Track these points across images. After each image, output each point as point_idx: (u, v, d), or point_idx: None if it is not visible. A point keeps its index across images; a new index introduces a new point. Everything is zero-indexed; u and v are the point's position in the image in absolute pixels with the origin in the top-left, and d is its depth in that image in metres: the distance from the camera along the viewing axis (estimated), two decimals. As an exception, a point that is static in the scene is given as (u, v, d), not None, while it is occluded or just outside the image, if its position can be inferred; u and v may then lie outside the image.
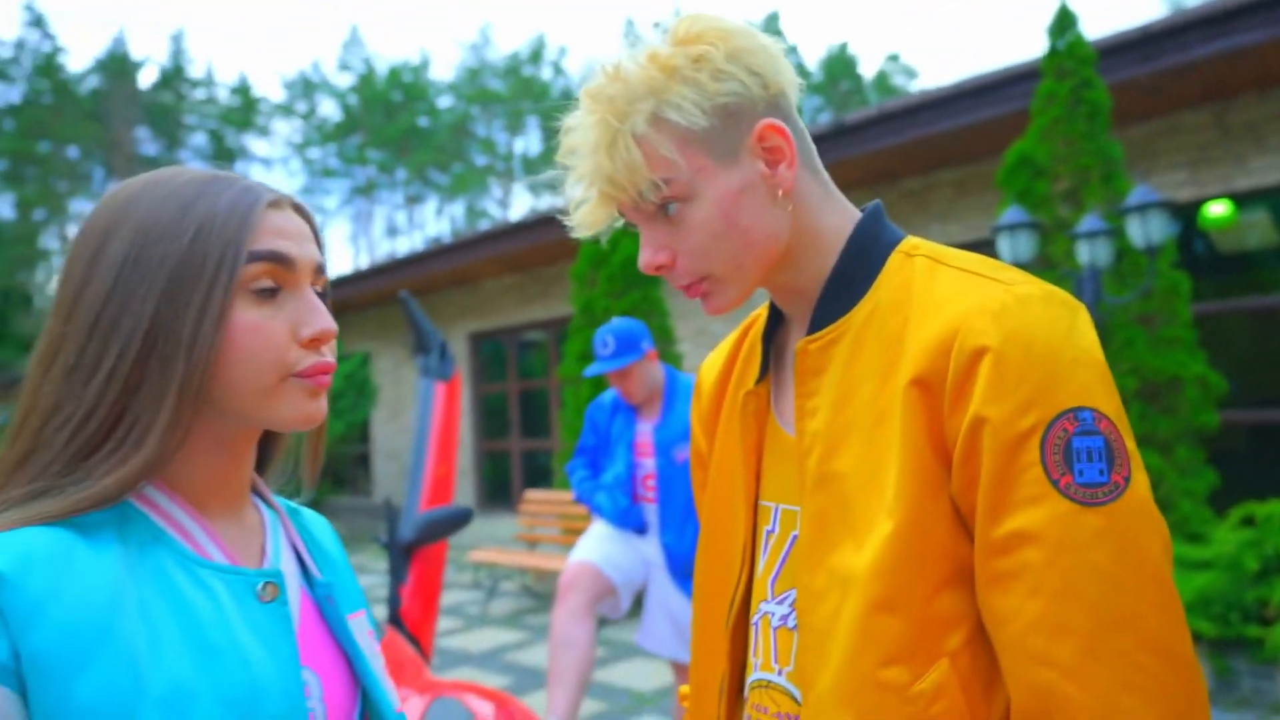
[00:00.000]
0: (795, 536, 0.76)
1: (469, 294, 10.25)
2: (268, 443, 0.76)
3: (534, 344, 10.03)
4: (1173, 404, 4.34)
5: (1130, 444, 0.64)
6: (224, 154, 37.70)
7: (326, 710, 0.65)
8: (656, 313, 6.41)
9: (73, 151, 34.33)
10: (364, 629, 0.73)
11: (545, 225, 8.08)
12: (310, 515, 0.80)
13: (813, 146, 0.79)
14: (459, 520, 2.42)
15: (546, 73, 41.66)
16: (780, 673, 0.77)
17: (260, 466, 0.76)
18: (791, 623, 0.75)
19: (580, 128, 0.75)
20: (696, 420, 0.96)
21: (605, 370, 2.83)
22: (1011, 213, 4.36)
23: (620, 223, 0.79)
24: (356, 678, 0.69)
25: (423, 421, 2.57)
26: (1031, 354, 0.64)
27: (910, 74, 39.39)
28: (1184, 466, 4.29)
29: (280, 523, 0.73)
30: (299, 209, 0.67)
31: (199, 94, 38.57)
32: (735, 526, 0.83)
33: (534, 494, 7.07)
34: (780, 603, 0.77)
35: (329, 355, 0.65)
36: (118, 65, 36.26)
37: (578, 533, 6.47)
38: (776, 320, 0.85)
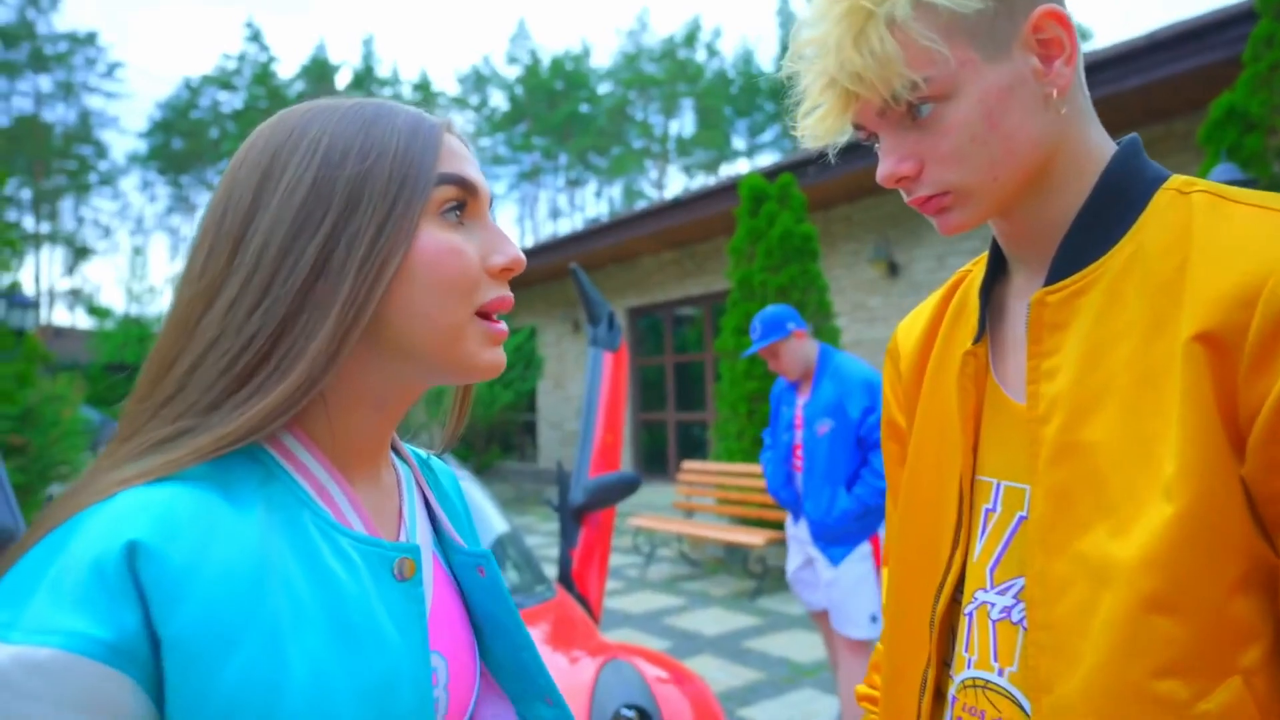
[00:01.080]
0: (1023, 517, 0.67)
1: (628, 270, 10.55)
2: None
3: (689, 319, 10.20)
4: None
5: None
6: (405, 146, 40.51)
7: (450, 698, 0.60)
8: (814, 287, 6.36)
9: (280, 148, 38.17)
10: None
11: (701, 201, 8.18)
12: (440, 467, 0.75)
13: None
14: (628, 486, 2.48)
15: (701, 55, 41.56)
16: (1001, 673, 0.66)
17: None
18: (1017, 616, 0.66)
19: (819, 19, 0.65)
20: (890, 390, 0.87)
21: (755, 351, 3.03)
22: (1222, 169, 3.95)
23: (849, 134, 0.70)
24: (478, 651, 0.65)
25: (591, 390, 2.64)
26: None
27: (1084, 35, 35.95)
28: None
29: (414, 481, 0.69)
30: (462, 139, 0.63)
31: (386, 91, 41.68)
32: (944, 505, 0.73)
33: (691, 464, 7.23)
34: (1002, 592, 0.68)
35: (509, 291, 0.61)
36: (319, 70, 39.96)
37: (732, 503, 6.60)
38: (994, 273, 0.76)
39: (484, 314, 0.59)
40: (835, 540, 2.90)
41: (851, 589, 2.87)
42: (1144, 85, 4.97)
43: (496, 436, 12.67)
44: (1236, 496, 0.56)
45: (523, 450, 13.26)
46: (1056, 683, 0.60)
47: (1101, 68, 5.13)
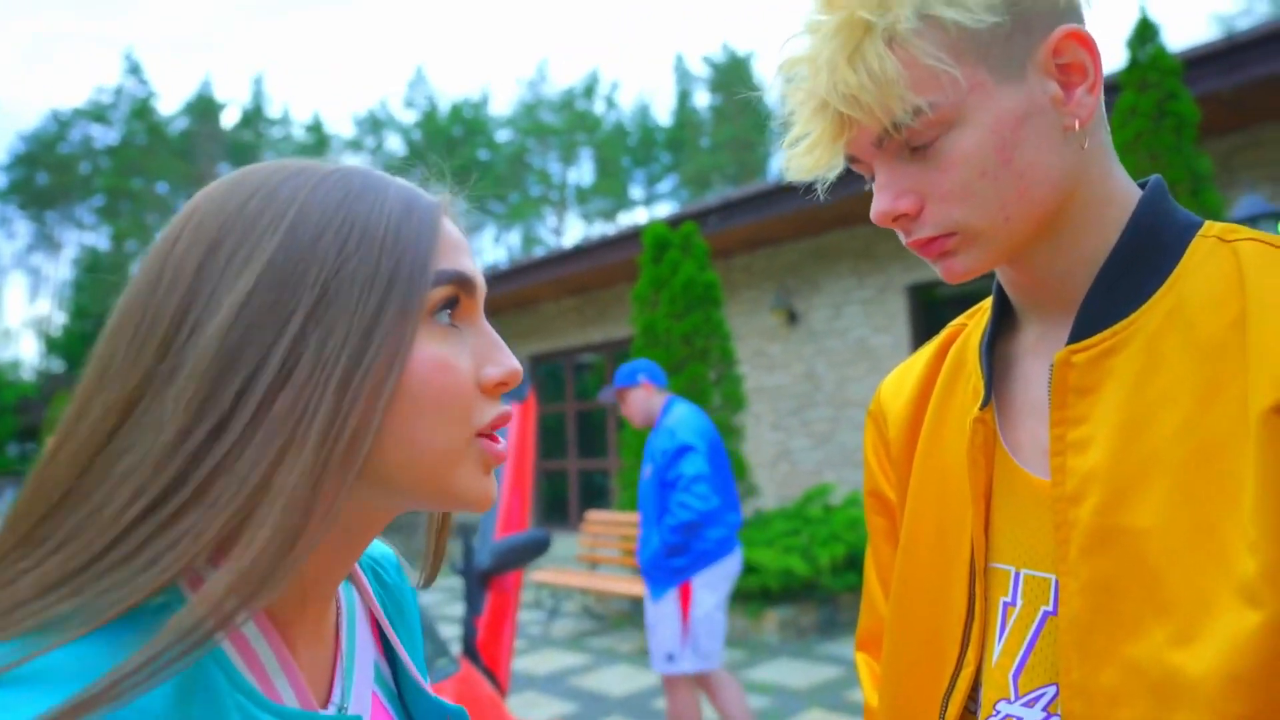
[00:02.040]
0: (1048, 613, 0.58)
1: (528, 317, 10.40)
2: None
3: (590, 366, 10.11)
4: None
5: None
6: (296, 187, 39.34)
7: None
8: (717, 334, 6.40)
9: (162, 187, 36.33)
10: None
11: (603, 249, 8.17)
12: (393, 580, 0.63)
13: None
14: (537, 547, 2.35)
15: (599, 106, 42.42)
16: None
17: None
18: None
19: (810, 33, 0.57)
20: (874, 458, 0.77)
21: (604, 398, 3.37)
22: (1248, 203, 4.10)
23: (840, 168, 0.62)
24: None
25: None
26: None
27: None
28: None
29: (360, 610, 0.57)
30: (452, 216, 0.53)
31: (276, 132, 40.39)
32: (951, 595, 0.64)
33: (596, 514, 7.06)
34: (1030, 704, 0.58)
35: (506, 406, 0.51)
36: (204, 106, 38.35)
37: (636, 554, 6.45)
38: (998, 327, 0.68)
39: (484, 433, 0.48)
40: (651, 578, 3.11)
41: (654, 626, 3.08)
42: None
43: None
44: None
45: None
46: None
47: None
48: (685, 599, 3.04)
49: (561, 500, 10.14)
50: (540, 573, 6.90)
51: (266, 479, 0.40)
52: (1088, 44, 0.57)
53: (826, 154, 0.59)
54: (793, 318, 7.50)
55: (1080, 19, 0.59)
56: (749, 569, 5.42)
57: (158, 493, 0.39)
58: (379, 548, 0.63)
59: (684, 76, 40.99)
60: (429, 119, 41.19)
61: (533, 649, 5.88)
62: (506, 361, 0.49)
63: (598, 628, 6.48)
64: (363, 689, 0.53)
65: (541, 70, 44.37)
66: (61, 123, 36.49)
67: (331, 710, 0.49)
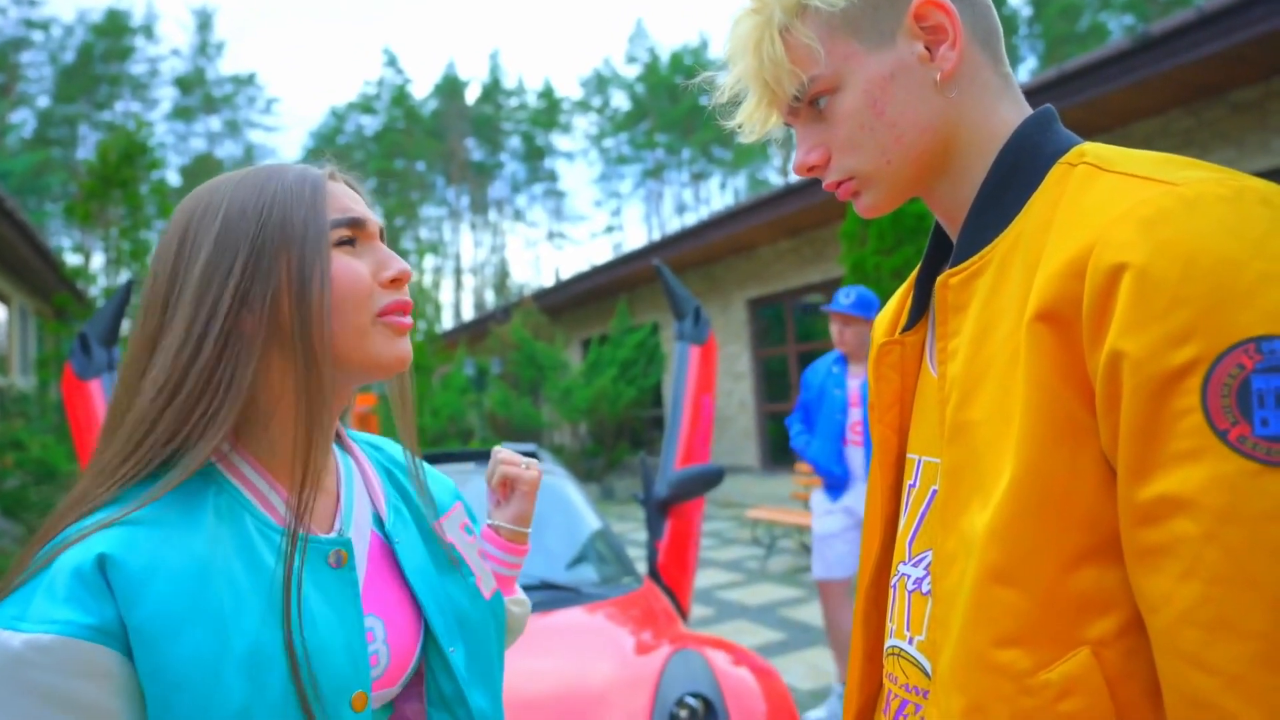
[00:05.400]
0: (935, 491, 0.68)
1: (747, 261, 10.47)
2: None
3: (811, 307, 10.00)
4: None
5: None
6: (535, 153, 42.00)
7: (390, 651, 0.71)
8: (933, 266, 6.10)
9: (419, 166, 40.63)
10: (458, 522, 0.83)
11: (813, 187, 8.00)
12: (387, 446, 0.87)
13: (997, 28, 0.69)
14: (711, 479, 2.50)
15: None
16: (911, 641, 0.69)
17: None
18: (926, 587, 0.67)
19: (733, 26, 0.71)
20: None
21: (839, 309, 3.23)
22: None
23: (780, 127, 0.75)
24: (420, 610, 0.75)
25: (678, 384, 2.69)
26: (1194, 268, 0.50)
27: None
28: None
29: (356, 472, 0.79)
30: (346, 181, 0.75)
31: (513, 102, 43.28)
32: (879, 482, 0.78)
33: (811, 454, 7.11)
34: (916, 564, 0.70)
35: (406, 295, 0.72)
36: (450, 87, 42.01)
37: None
38: (936, 257, 0.77)
39: (385, 314, 0.70)
40: None
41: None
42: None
43: (625, 432, 12.92)
44: (1089, 467, 0.55)
45: (651, 445, 13.44)
46: (940, 654, 0.62)
47: (1255, 4, 4.61)
48: None
49: (784, 442, 10.25)
50: (757, 510, 7.12)
51: (250, 375, 0.65)
52: (944, 8, 0.66)
53: (763, 118, 0.73)
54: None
55: None
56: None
57: (174, 387, 0.64)
58: (387, 445, 0.87)
59: None
60: (651, 71, 41.79)
61: (749, 582, 6.13)
62: (396, 265, 0.71)
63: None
64: (361, 529, 0.75)
65: (759, 4, 43.09)
66: (338, 117, 41.94)
67: (338, 534, 0.72)
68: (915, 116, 0.67)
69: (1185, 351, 0.49)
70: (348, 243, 0.70)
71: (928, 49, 0.66)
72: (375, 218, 0.74)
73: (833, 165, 0.70)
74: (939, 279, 0.68)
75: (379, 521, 0.78)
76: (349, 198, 0.73)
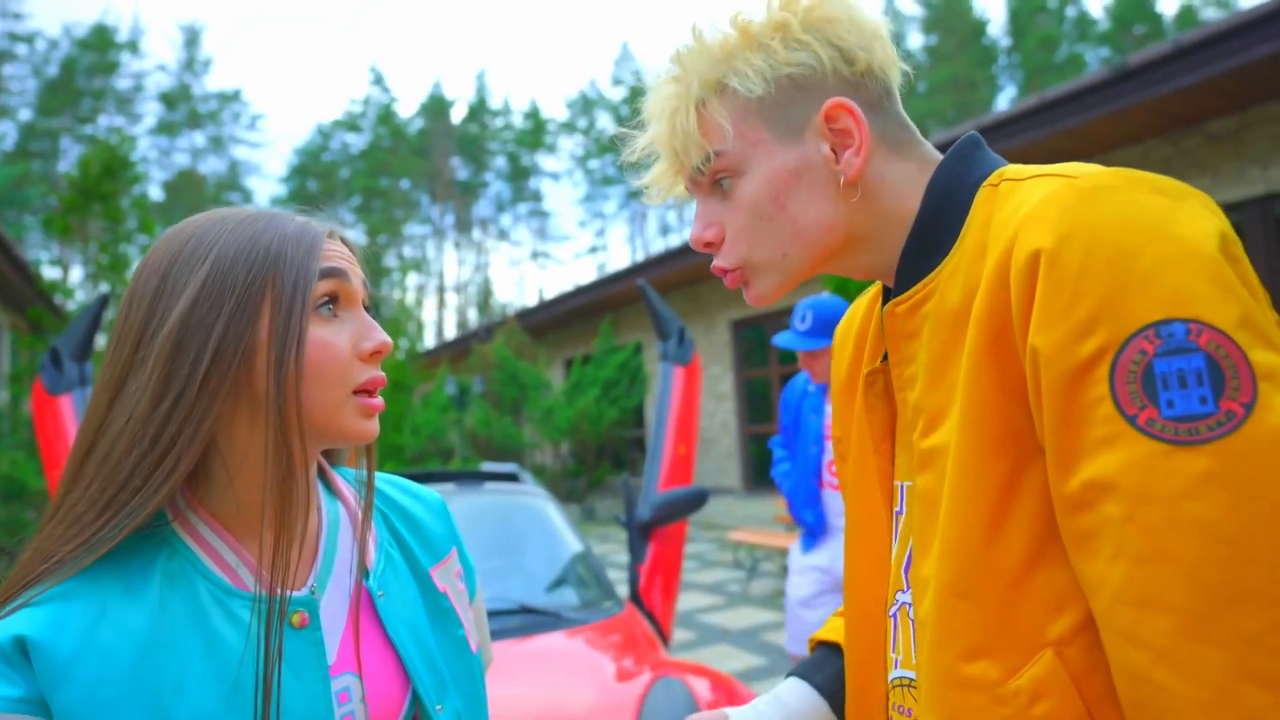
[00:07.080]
0: None
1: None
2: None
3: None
4: None
5: (1266, 359, 0.48)
6: (520, 172, 42.12)
7: (369, 709, 0.67)
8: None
9: (404, 184, 40.63)
10: (452, 571, 0.79)
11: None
12: (385, 483, 0.82)
13: (911, 132, 0.70)
14: (695, 501, 2.48)
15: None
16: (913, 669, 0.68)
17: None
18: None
19: (654, 90, 0.72)
20: (833, 403, 0.87)
21: (796, 348, 2.64)
22: None
23: (682, 193, 0.75)
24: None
25: (662, 404, 2.66)
26: (1093, 257, 0.51)
27: (1224, 5, 32.81)
28: None
29: (343, 519, 0.74)
30: (344, 240, 0.72)
31: (498, 122, 43.46)
32: (876, 512, 0.75)
33: (793, 476, 7.09)
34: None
35: (380, 371, 0.69)
36: (436, 106, 42.16)
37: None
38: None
39: (360, 392, 0.67)
40: None
41: None
42: None
43: (607, 453, 12.87)
44: (1027, 479, 0.56)
45: (633, 466, 13.39)
46: (921, 677, 0.63)
47: (1227, 38, 4.72)
48: None
49: (768, 464, 10.24)
50: (739, 533, 7.09)
51: (212, 430, 0.62)
52: (854, 114, 0.66)
53: (669, 184, 0.74)
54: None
55: (863, 93, 0.68)
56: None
57: (147, 444, 0.60)
58: (386, 481, 0.83)
59: (896, 18, 38.46)
60: (635, 94, 41.89)
61: (730, 605, 6.10)
62: (376, 336, 0.67)
63: (799, 588, 6.56)
64: (341, 581, 0.70)
65: (744, 30, 43.71)
66: (324, 134, 41.88)
67: (304, 593, 0.68)
68: (818, 215, 0.67)
69: (1091, 343, 0.51)
70: (329, 301, 0.66)
71: (834, 151, 0.67)
72: (363, 279, 0.71)
73: (726, 249, 0.70)
74: (886, 307, 0.69)
75: (366, 571, 0.74)
76: (342, 255, 0.69)
